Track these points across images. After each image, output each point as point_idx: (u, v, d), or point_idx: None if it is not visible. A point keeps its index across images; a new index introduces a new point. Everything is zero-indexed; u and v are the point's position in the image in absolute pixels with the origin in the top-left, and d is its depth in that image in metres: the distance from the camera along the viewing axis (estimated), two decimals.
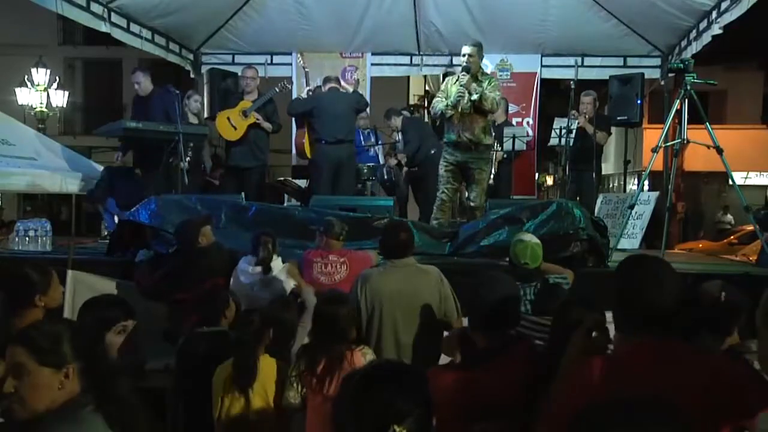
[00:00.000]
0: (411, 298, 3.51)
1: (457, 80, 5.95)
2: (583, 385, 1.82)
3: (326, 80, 7.37)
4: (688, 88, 5.32)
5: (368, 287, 3.54)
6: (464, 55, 5.82)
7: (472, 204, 5.96)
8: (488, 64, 9.28)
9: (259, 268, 4.14)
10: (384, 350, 3.40)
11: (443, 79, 7.09)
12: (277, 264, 4.23)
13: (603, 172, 11.31)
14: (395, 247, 3.64)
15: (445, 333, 3.42)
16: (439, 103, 6.03)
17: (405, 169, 8.21)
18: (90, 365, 1.84)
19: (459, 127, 5.86)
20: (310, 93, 7.42)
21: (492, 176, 7.25)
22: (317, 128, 7.00)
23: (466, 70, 5.78)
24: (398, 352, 3.42)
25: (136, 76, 6.75)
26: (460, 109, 5.85)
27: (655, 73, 8.92)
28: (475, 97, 5.74)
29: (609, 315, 2.52)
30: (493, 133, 6.06)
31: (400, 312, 3.48)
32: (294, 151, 7.99)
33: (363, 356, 3.04)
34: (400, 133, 8.06)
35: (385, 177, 7.98)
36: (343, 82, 9.18)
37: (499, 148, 7.59)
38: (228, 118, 7.10)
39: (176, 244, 4.56)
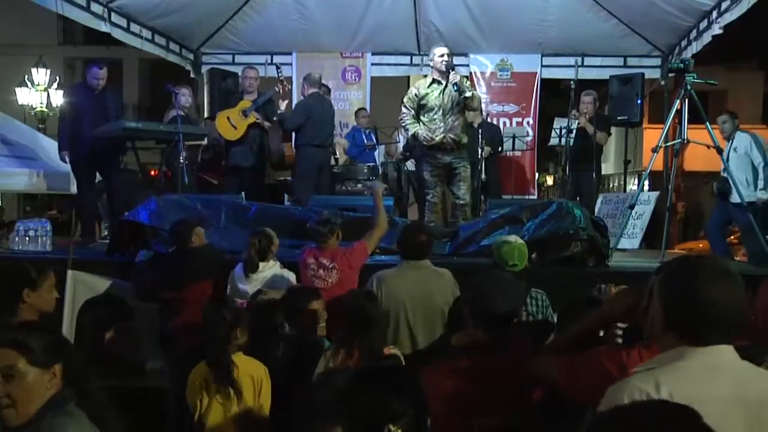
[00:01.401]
0: (427, 299, 3.52)
1: (431, 84, 5.91)
2: (604, 370, 1.87)
3: (310, 82, 7.17)
4: (688, 88, 5.32)
5: (384, 288, 3.55)
6: (443, 55, 5.84)
7: (461, 202, 5.97)
8: (488, 64, 9.31)
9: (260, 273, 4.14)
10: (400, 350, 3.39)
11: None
12: (274, 268, 4.24)
13: (603, 172, 11.30)
14: (414, 248, 3.67)
15: None
16: (411, 126, 5.98)
17: (407, 169, 8.22)
18: (68, 365, 1.87)
19: (443, 129, 5.85)
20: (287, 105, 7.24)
21: (482, 175, 7.33)
22: (308, 133, 6.92)
23: (452, 68, 5.81)
24: (414, 353, 3.41)
25: (104, 72, 6.30)
26: (442, 111, 5.85)
27: (655, 73, 8.92)
28: (468, 94, 5.79)
29: None
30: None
31: (416, 313, 3.49)
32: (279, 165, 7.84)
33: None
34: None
35: (380, 172, 7.97)
36: (343, 83, 9.23)
37: (488, 147, 7.63)
38: (228, 118, 7.10)
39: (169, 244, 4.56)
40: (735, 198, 5.89)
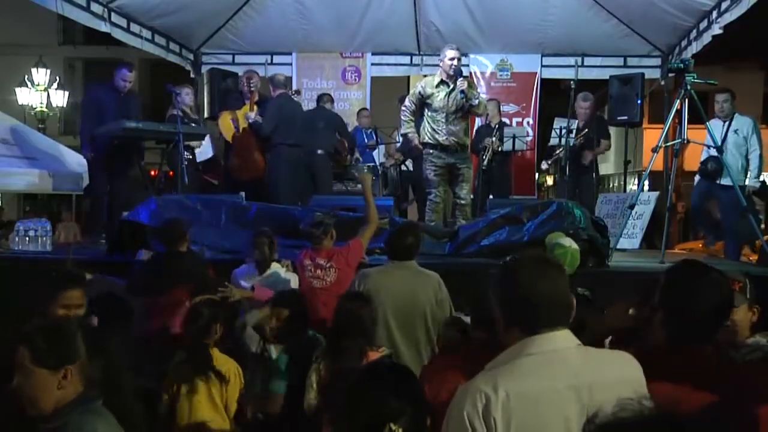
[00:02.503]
0: (408, 299, 3.51)
1: (438, 84, 5.94)
2: None
3: (276, 83, 7.13)
4: (688, 88, 5.32)
5: (366, 285, 3.55)
6: (453, 59, 5.86)
7: (462, 202, 6.06)
8: (488, 64, 9.31)
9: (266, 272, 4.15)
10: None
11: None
12: (276, 268, 4.24)
13: (603, 172, 11.31)
14: (400, 249, 3.68)
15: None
16: (405, 125, 6.11)
17: (405, 168, 8.23)
18: (100, 362, 1.87)
19: (446, 131, 5.91)
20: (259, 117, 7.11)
21: (483, 172, 7.45)
22: (280, 132, 6.88)
23: (459, 73, 5.83)
24: (391, 350, 3.41)
25: (133, 75, 6.46)
26: (446, 113, 5.91)
27: (655, 73, 8.92)
28: (475, 102, 5.88)
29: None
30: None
31: (396, 312, 3.49)
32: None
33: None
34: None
35: (380, 172, 8.04)
36: (343, 83, 9.23)
37: (499, 144, 7.71)
38: (232, 120, 7.10)
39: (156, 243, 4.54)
40: (725, 180, 5.85)
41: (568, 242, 3.74)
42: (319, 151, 7.16)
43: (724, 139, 6.01)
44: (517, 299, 1.66)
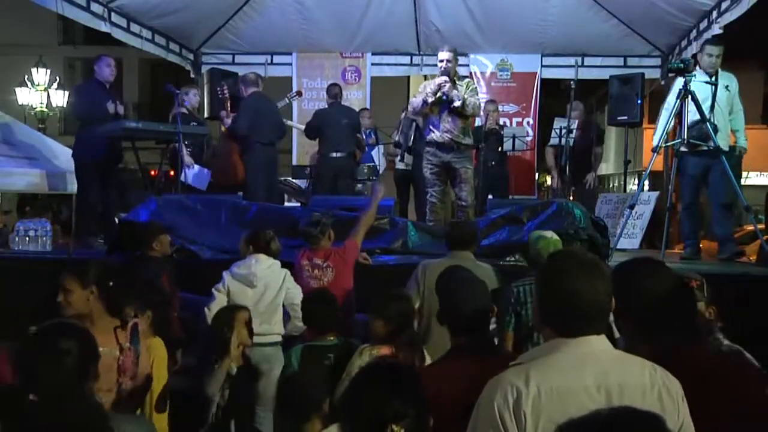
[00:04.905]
0: None
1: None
2: None
3: (248, 82, 6.99)
4: (689, 87, 5.31)
5: (427, 275, 3.66)
6: (442, 61, 5.90)
7: (464, 204, 6.02)
8: (488, 64, 9.32)
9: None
10: (434, 337, 3.38)
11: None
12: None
13: (603, 172, 11.31)
14: (460, 238, 3.88)
15: None
16: (418, 97, 6.04)
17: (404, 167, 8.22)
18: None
19: (440, 128, 5.92)
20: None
21: (483, 172, 7.40)
22: (256, 130, 6.78)
23: (446, 74, 5.84)
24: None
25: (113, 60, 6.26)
26: (441, 110, 5.91)
27: (655, 73, 8.93)
28: (457, 104, 5.81)
29: None
30: (472, 135, 6.21)
31: None
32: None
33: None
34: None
35: (379, 172, 8.06)
36: (343, 83, 9.23)
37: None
38: None
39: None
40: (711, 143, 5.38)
41: (549, 234, 3.81)
42: (337, 154, 7.09)
43: (714, 97, 5.61)
44: (557, 301, 1.65)
